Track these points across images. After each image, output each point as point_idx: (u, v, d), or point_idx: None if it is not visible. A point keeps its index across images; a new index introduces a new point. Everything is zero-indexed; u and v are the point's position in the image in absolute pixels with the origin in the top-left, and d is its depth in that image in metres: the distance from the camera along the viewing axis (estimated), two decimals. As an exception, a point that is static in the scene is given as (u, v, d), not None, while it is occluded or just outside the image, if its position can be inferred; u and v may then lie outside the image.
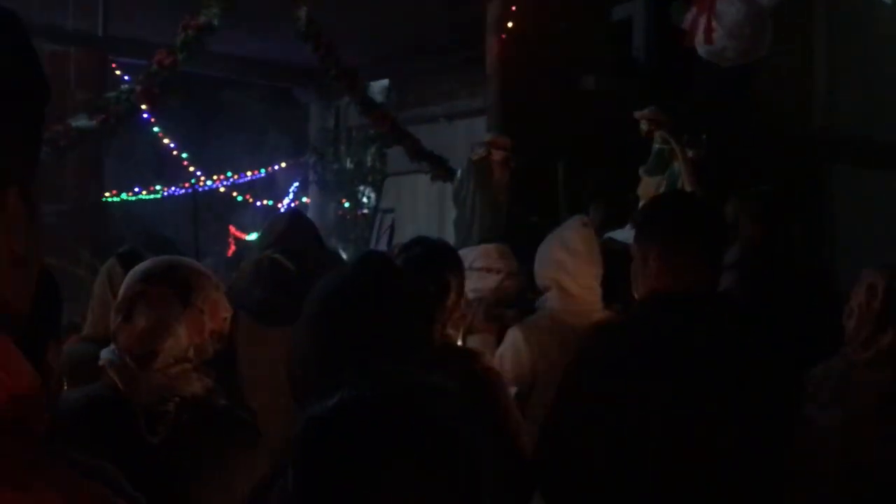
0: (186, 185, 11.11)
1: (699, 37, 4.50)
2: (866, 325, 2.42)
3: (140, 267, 1.94)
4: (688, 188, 4.68)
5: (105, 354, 1.86)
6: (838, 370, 2.42)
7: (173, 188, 11.32)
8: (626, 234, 4.36)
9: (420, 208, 10.06)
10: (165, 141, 10.40)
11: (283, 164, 12.00)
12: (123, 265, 2.35)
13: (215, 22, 6.58)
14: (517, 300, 3.37)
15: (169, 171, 11.28)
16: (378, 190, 10.90)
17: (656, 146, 4.89)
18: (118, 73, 8.68)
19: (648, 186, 4.92)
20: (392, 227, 10.34)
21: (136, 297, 1.85)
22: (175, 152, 10.64)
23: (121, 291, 1.91)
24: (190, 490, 1.80)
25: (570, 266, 2.99)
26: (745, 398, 1.91)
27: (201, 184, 11.17)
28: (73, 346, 2.55)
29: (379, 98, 9.72)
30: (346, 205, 11.08)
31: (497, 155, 3.69)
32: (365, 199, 11.13)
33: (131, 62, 8.43)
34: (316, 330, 1.59)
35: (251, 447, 1.89)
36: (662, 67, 9.97)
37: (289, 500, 0.90)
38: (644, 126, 4.90)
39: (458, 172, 3.83)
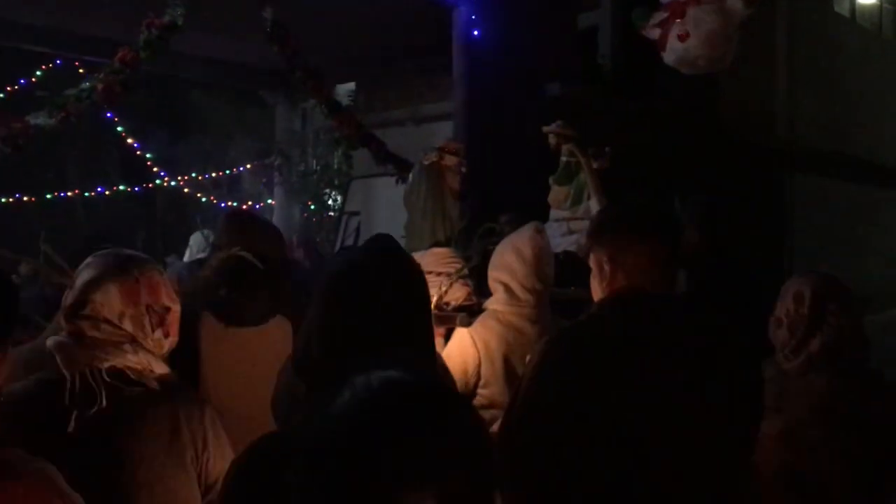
0: (150, 185, 11.01)
1: (672, 43, 4.52)
2: (795, 333, 2.46)
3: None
4: (593, 196, 4.90)
5: (51, 338, 1.95)
6: (772, 379, 2.45)
7: (136, 188, 11.21)
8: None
9: (386, 211, 10.05)
10: (129, 141, 10.30)
11: (249, 166, 11.93)
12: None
13: (179, 21, 6.52)
14: (464, 303, 3.39)
15: (132, 170, 11.17)
16: (344, 192, 10.87)
17: (564, 158, 5.04)
18: (81, 71, 8.59)
19: (558, 195, 5.14)
20: (358, 230, 10.33)
21: (81, 268, 2.01)
22: (139, 152, 10.54)
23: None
24: (128, 455, 1.86)
25: (517, 270, 3.02)
26: (711, 388, 1.92)
27: (165, 184, 11.08)
28: None
29: (345, 101, 9.71)
30: (312, 207, 11.05)
31: (449, 160, 3.70)
32: (331, 202, 11.10)
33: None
34: (321, 311, 1.57)
35: (195, 417, 1.96)
36: (627, 74, 10.08)
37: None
38: (552, 140, 5.02)
39: (410, 176, 3.82)
